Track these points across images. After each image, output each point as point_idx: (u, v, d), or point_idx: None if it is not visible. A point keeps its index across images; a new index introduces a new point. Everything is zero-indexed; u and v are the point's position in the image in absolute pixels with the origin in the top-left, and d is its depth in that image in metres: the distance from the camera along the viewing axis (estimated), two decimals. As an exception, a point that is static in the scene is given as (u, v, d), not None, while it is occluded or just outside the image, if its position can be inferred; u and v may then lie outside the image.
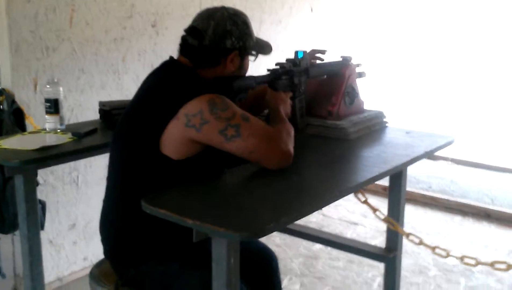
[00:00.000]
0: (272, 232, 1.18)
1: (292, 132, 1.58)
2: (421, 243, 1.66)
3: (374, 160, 1.66)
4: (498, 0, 6.33)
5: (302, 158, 1.53)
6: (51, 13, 2.41)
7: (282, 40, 3.76)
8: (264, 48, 1.68)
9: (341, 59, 2.06)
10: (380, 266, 2.80)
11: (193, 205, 1.29)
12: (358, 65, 2.11)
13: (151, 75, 1.61)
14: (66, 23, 2.47)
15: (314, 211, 1.31)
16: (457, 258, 1.60)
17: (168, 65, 1.59)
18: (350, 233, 3.43)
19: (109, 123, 2.04)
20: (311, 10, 4.16)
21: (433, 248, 1.68)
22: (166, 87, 1.51)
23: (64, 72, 2.49)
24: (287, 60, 1.83)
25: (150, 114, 1.48)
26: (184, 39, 1.58)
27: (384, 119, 2.14)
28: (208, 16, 1.55)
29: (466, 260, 1.60)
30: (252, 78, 1.65)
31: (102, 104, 2.10)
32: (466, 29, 6.71)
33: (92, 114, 2.55)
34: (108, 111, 2.05)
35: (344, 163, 1.69)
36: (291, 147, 1.52)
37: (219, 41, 1.53)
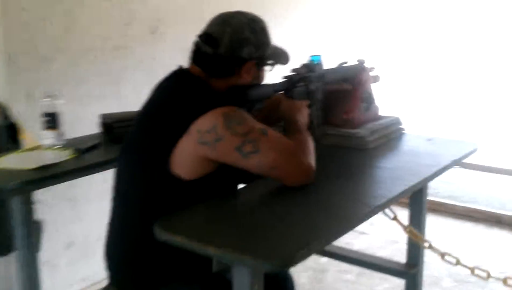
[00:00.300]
0: (302, 260, 1.06)
1: (312, 145, 1.46)
2: (458, 263, 1.55)
3: (399, 172, 1.54)
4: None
5: (320, 171, 1.42)
6: (47, 21, 2.28)
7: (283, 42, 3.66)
8: (281, 57, 1.56)
9: (356, 62, 1.95)
10: (391, 279, 2.68)
11: (211, 229, 1.17)
12: (372, 69, 2.00)
13: (160, 86, 1.48)
14: (62, 31, 2.35)
15: (345, 233, 1.19)
16: (499, 279, 1.49)
17: (178, 76, 1.47)
18: (358, 243, 3.31)
19: (112, 137, 1.92)
20: (307, 11, 4.05)
21: (472, 269, 1.56)
22: (176, 101, 1.39)
23: (61, 83, 2.36)
24: (303, 65, 1.72)
25: (159, 130, 1.36)
26: (197, 47, 1.46)
27: (401, 126, 2.04)
28: (224, 22, 1.44)
29: (510, 282, 1.49)
30: (268, 86, 1.53)
31: (104, 117, 1.98)
32: (480, 29, 6.47)
33: (91, 127, 2.42)
34: (110, 124, 1.93)
35: (366, 176, 1.57)
36: (312, 161, 1.40)
37: (236, 49, 1.42)
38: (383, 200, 1.32)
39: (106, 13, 2.51)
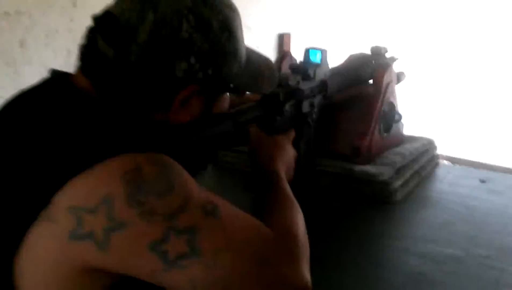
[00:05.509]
0: None
1: (304, 227, 0.74)
2: None
3: (462, 267, 0.84)
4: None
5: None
6: None
7: (257, 20, 2.87)
8: (259, 80, 0.80)
9: (368, 52, 1.22)
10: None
11: None
12: (394, 60, 1.27)
13: (10, 110, 0.72)
14: None
15: None
16: None
17: (48, 92, 0.71)
18: None
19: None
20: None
21: None
22: (30, 144, 0.65)
23: None
24: (292, 68, 0.98)
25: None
26: (89, 39, 0.71)
27: (436, 152, 1.33)
28: None
29: None
30: (226, 117, 0.80)
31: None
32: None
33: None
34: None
35: (397, 271, 0.86)
36: (306, 269, 0.68)
37: (160, 60, 0.67)
38: None
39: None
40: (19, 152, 0.64)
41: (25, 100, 0.72)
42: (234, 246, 0.62)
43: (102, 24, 0.69)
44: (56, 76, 0.73)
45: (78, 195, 0.58)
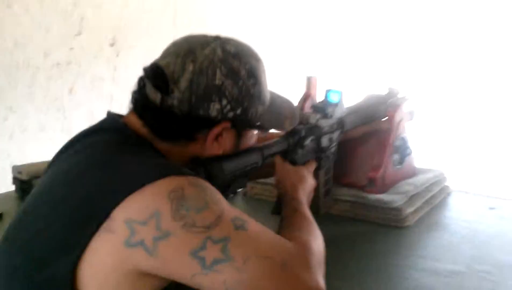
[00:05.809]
0: None
1: (321, 241, 0.86)
2: None
3: (466, 282, 0.95)
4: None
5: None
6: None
7: (288, 65, 3.05)
8: (281, 120, 0.96)
9: (386, 91, 1.37)
10: None
11: None
12: (404, 100, 1.40)
13: (72, 146, 0.89)
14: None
15: None
16: None
17: (105, 131, 0.88)
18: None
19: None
20: None
21: None
22: (92, 170, 0.80)
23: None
24: (313, 107, 1.14)
25: (62, 216, 0.77)
26: (140, 86, 0.87)
27: (446, 184, 1.44)
28: (187, 52, 0.85)
29: None
30: (255, 150, 0.95)
31: (17, 171, 1.37)
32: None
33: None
34: (25, 181, 1.32)
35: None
36: (320, 276, 0.80)
37: (197, 103, 0.84)
38: None
39: (47, 19, 1.93)
40: (87, 178, 0.79)
41: (92, 136, 0.88)
42: (260, 253, 0.75)
43: (151, 74, 0.85)
44: (110, 118, 0.89)
45: (132, 209, 0.72)
